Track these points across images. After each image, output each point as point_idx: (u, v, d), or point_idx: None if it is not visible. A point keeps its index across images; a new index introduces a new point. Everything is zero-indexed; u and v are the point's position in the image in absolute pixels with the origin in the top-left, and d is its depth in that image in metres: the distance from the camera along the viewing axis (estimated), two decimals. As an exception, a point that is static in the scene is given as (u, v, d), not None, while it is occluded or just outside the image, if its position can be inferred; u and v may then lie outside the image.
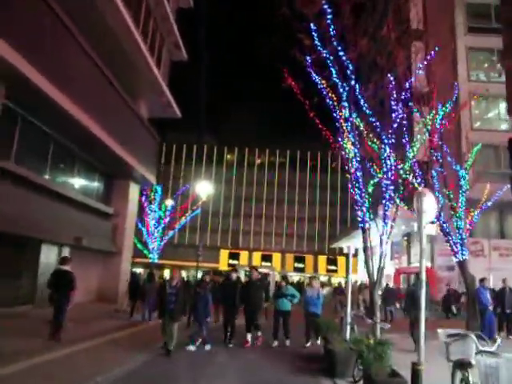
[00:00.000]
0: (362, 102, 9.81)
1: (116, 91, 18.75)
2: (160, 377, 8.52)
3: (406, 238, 39.94)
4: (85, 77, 15.58)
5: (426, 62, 12.50)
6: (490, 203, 16.30)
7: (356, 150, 10.05)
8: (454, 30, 33.39)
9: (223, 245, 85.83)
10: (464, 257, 14.30)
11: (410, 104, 11.59)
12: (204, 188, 24.50)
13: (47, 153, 16.46)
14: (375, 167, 10.95)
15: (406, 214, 31.04)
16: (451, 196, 14.54)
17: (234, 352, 11.43)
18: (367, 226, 10.23)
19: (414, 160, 12.37)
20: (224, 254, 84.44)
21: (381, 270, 10.17)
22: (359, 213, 10.13)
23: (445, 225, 14.74)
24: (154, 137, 23.23)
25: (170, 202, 29.92)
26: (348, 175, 10.36)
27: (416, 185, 13.70)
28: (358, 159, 10.07)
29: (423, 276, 6.52)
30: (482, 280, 14.81)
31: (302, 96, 10.50)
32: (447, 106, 14.10)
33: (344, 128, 10.04)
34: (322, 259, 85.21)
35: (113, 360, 9.37)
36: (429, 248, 34.42)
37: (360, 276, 52.10)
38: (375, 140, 11.14)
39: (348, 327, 10.10)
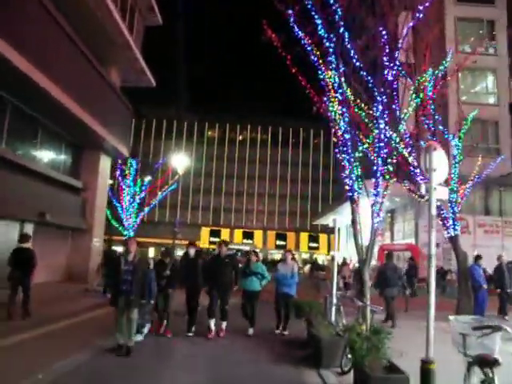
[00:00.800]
0: (351, 53, 8.61)
1: (83, 54, 17.28)
2: (112, 370, 7.24)
3: (389, 215, 39.32)
4: (46, 37, 14.09)
5: (412, 25, 11.24)
6: (482, 176, 15.41)
7: (344, 109, 8.85)
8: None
9: (204, 222, 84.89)
10: (456, 232, 13.41)
11: (399, 68, 10.35)
12: (180, 161, 23.16)
13: (3, 120, 14.94)
14: (361, 136, 9.81)
15: (390, 189, 30.35)
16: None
17: (197, 342, 9.66)
18: (356, 195, 9.13)
19: (404, 128, 11.21)
20: (205, 231, 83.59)
21: (371, 245, 9.13)
22: (347, 180, 9.01)
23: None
24: (127, 106, 21.78)
25: (147, 178, 28.58)
26: (334, 138, 9.18)
27: (406, 154, 12.68)
28: (346, 119, 8.88)
29: (432, 250, 5.44)
30: (477, 257, 13.93)
31: (283, 50, 9.22)
32: (440, 68, 13.01)
33: (330, 84, 8.82)
34: (304, 236, 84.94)
35: (65, 349, 8.10)
36: (412, 224, 33.77)
37: (342, 254, 51.56)
38: (363, 105, 9.98)
39: (333, 309, 9.11)
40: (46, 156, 18.25)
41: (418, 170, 13.84)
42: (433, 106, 13.19)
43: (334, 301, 9.10)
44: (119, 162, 26.82)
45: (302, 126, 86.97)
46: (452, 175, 13.67)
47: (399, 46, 9.33)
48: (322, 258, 68.53)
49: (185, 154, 23.94)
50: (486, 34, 32.01)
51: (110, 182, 29.94)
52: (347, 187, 9.10)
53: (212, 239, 77.69)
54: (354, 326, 6.51)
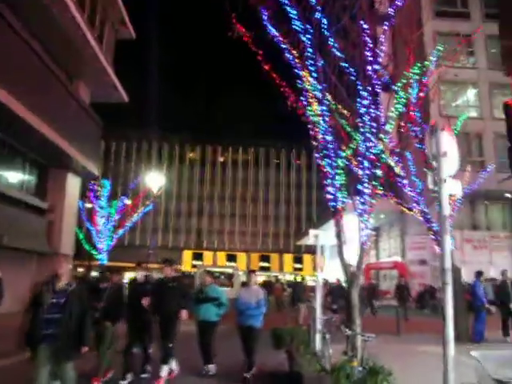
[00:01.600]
0: (330, 42, 7.65)
1: (47, 67, 16.20)
2: None
3: (374, 233, 38.52)
4: (4, 48, 13.05)
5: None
6: (471, 189, 14.51)
7: (324, 108, 7.85)
8: (421, 13, 31.93)
9: (187, 245, 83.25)
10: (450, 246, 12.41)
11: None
12: (155, 181, 22.03)
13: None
14: (343, 146, 8.82)
15: (374, 205, 29.55)
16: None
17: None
18: (340, 205, 8.08)
19: (390, 133, 10.21)
20: (187, 254, 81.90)
21: (360, 262, 8.07)
22: (330, 188, 7.96)
23: (426, 210, 12.80)
24: (97, 123, 20.65)
25: (124, 200, 27.39)
26: (314, 142, 8.16)
27: (392, 163, 11.67)
28: (327, 119, 7.87)
29: (447, 262, 4.40)
30: (479, 274, 12.92)
31: (255, 46, 8.24)
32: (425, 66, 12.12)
33: (307, 81, 7.84)
34: (288, 257, 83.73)
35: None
36: (398, 242, 32.91)
37: (327, 274, 50.48)
38: (344, 112, 9.00)
39: (318, 336, 7.98)
40: (5, 174, 16.97)
41: (405, 181, 12.92)
42: (418, 113, 12.29)
43: (319, 327, 7.97)
44: (92, 182, 25.65)
45: (284, 146, 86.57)
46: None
47: (381, 40, 8.41)
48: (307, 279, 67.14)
49: (159, 174, 22.71)
50: (464, 48, 31.75)
51: (83, 203, 28.77)
52: (330, 196, 8.05)
53: (194, 262, 76.04)
54: (342, 365, 5.29)
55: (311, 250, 74.24)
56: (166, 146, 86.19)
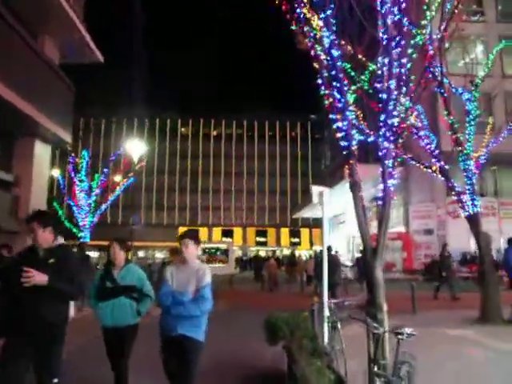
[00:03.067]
0: None
1: (2, 20, 13.90)
2: None
3: (374, 204, 36.60)
4: None
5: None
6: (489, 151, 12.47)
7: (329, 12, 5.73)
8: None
9: (181, 222, 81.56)
10: (475, 209, 10.47)
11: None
12: (136, 147, 19.96)
13: None
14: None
15: (375, 174, 27.58)
16: (455, 125, 10.59)
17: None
18: (354, 145, 6.04)
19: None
20: (182, 231, 79.81)
21: (385, 225, 6.12)
22: (341, 124, 5.88)
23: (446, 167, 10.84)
24: (68, 86, 18.35)
25: (118, 178, 25.34)
26: (316, 64, 6.04)
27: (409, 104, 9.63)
28: (334, 29, 5.76)
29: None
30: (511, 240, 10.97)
31: None
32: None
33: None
34: (285, 232, 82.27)
35: None
36: (401, 211, 31.06)
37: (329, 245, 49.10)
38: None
39: (326, 326, 6.07)
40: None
41: (422, 133, 10.92)
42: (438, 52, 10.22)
43: (327, 313, 6.04)
44: (71, 154, 23.57)
45: (279, 118, 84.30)
46: (468, 135, 10.75)
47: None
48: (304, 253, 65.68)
49: (140, 141, 20.58)
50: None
51: (63, 177, 26.57)
52: (340, 134, 5.99)
53: (189, 239, 74.41)
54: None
55: (308, 223, 73.25)
56: (156, 121, 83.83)
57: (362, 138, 6.38)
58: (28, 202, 16.64)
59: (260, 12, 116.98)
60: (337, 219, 48.60)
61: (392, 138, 5.82)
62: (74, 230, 24.23)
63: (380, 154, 5.93)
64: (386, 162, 5.89)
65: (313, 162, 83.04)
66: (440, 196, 25.56)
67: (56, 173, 27.71)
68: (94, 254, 52.97)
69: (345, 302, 5.93)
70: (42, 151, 17.56)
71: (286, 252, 76.89)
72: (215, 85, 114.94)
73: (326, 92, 5.81)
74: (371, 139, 6.21)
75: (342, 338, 5.47)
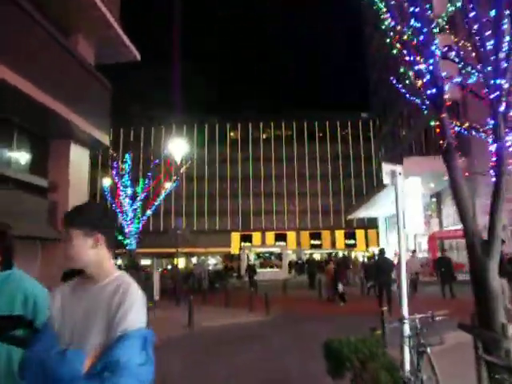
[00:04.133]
0: None
1: (32, 19, 13.15)
2: None
3: (434, 199, 34.20)
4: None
5: None
6: None
7: None
8: None
9: (234, 227, 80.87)
10: None
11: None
12: (179, 148, 18.92)
13: None
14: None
15: (435, 167, 25.24)
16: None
17: None
18: (445, 91, 4.42)
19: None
20: (235, 236, 79.62)
21: (499, 206, 4.55)
22: (423, 66, 4.25)
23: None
24: (105, 85, 17.55)
25: (164, 182, 24.53)
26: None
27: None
28: None
29: None
30: None
31: None
32: None
33: None
34: (340, 234, 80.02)
35: None
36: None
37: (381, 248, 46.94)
38: None
39: (407, 351, 4.47)
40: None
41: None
42: None
43: (407, 331, 4.42)
44: (113, 159, 22.90)
45: (328, 117, 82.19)
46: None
47: None
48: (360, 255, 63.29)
49: (182, 140, 19.52)
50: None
51: (110, 181, 25.95)
52: (423, 80, 4.39)
53: (243, 244, 73.50)
54: None
55: (363, 224, 70.76)
56: (205, 126, 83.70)
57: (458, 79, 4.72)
58: (66, 207, 15.84)
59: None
60: (392, 220, 46.26)
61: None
62: (120, 238, 23.54)
63: (491, 95, 4.27)
64: (501, 107, 4.24)
65: (365, 161, 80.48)
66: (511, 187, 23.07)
67: (107, 182, 27.10)
68: (145, 262, 53.00)
69: (435, 317, 4.33)
70: (78, 154, 16.76)
71: (343, 254, 74.92)
72: (264, 87, 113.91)
73: (395, 26, 4.25)
74: (472, 79, 4.56)
75: (437, 371, 3.86)
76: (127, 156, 23.06)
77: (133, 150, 55.56)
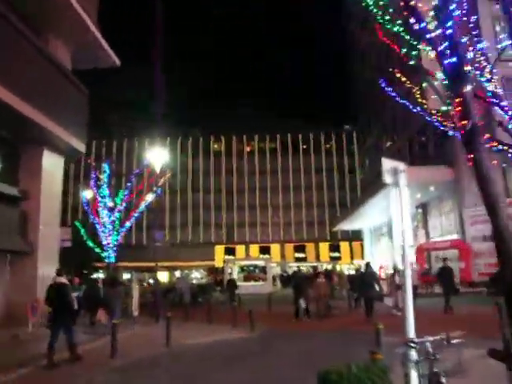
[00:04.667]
0: None
1: (5, 20, 12.48)
2: None
3: (420, 210, 33.73)
4: None
5: None
6: None
7: None
8: None
9: (218, 240, 79.98)
10: None
11: None
12: (158, 157, 18.15)
13: None
14: None
15: (422, 177, 24.77)
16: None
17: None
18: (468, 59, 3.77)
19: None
20: (219, 249, 78.82)
21: None
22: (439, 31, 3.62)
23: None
24: (81, 90, 16.78)
25: (149, 197, 23.57)
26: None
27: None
28: None
29: None
30: None
31: None
32: None
33: None
34: (324, 246, 79.48)
35: None
36: (452, 217, 28.20)
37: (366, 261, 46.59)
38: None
39: (416, 379, 3.75)
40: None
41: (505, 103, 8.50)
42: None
43: (414, 356, 3.69)
44: (93, 168, 22.05)
45: (312, 130, 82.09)
46: None
47: None
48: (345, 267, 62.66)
49: (162, 149, 18.73)
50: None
51: (90, 192, 24.90)
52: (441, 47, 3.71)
53: (227, 257, 72.51)
54: None
55: (348, 236, 70.36)
56: (189, 139, 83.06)
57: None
58: (37, 218, 14.92)
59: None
60: (377, 232, 45.99)
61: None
62: (97, 250, 22.59)
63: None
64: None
65: (349, 173, 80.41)
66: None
67: (89, 194, 25.94)
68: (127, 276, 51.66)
69: (450, 339, 3.60)
70: (52, 162, 15.87)
71: (327, 267, 74.27)
72: (248, 101, 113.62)
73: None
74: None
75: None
76: (105, 166, 22.18)
77: (114, 162, 54.93)
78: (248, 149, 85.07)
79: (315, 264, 73.87)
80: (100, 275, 27.70)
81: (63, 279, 9.95)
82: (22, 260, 14.55)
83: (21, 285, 14.31)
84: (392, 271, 18.77)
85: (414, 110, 6.79)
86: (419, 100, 7.00)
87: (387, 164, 4.96)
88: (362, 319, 15.49)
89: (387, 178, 4.98)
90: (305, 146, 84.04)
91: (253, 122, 77.33)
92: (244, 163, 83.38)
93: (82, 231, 23.31)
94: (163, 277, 60.56)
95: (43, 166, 15.29)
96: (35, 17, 15.10)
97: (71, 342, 9.55)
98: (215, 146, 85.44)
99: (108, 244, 22.00)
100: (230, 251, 77.10)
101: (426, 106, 6.84)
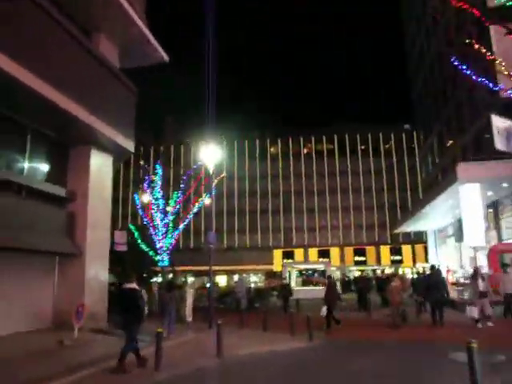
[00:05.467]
0: None
1: (49, 17, 12.13)
2: None
3: (490, 210, 31.24)
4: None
5: None
6: None
7: None
8: None
9: (276, 244, 78.96)
10: None
11: None
12: (211, 154, 17.33)
13: None
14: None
15: (494, 172, 22.57)
16: None
17: None
18: None
19: None
20: (277, 253, 77.72)
21: None
22: None
23: None
24: (129, 88, 16.24)
25: (204, 199, 23.02)
26: None
27: None
28: None
29: None
30: None
31: None
32: None
33: None
34: (385, 250, 76.74)
35: None
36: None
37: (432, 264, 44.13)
38: None
39: None
40: (8, 157, 12.94)
41: None
42: None
43: None
44: (146, 171, 21.57)
45: (371, 131, 79.67)
46: None
47: None
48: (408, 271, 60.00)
49: (216, 147, 17.84)
50: None
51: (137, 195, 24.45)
52: None
53: (285, 261, 71.48)
54: None
55: (409, 239, 67.56)
56: (245, 142, 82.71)
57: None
58: (85, 220, 14.41)
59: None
60: (442, 233, 43.37)
61: None
62: (151, 253, 22.08)
63: None
64: None
65: (409, 173, 77.43)
66: None
67: (145, 198, 25.55)
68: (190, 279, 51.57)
69: None
70: (100, 162, 15.36)
71: (388, 271, 71.61)
72: (304, 103, 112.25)
73: None
74: None
75: None
76: (158, 166, 21.67)
77: (167, 166, 55.09)
78: (305, 151, 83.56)
79: (376, 267, 71.47)
80: (159, 279, 27.32)
81: (134, 285, 9.60)
82: (71, 262, 14.06)
83: (68, 288, 13.83)
84: (471, 275, 16.78)
85: (495, 88, 5.47)
86: (503, 70, 5.72)
87: (497, 122, 3.76)
88: (437, 329, 13.99)
89: (498, 143, 3.78)
90: (363, 147, 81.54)
91: (309, 123, 76.22)
92: (301, 165, 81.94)
93: (136, 234, 22.93)
94: (222, 281, 60.44)
95: (91, 165, 14.80)
96: (82, 13, 14.70)
97: (127, 351, 8.97)
98: (272, 148, 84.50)
99: (161, 247, 21.47)
100: (288, 255, 75.90)
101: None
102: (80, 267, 13.95)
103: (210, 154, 17.49)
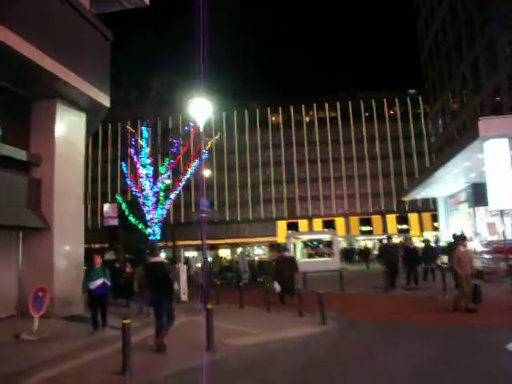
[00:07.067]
0: None
1: None
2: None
3: None
4: None
5: None
6: None
7: None
8: None
9: (279, 215, 76.94)
10: None
11: None
12: (200, 108, 14.90)
13: None
14: None
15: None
16: None
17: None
18: None
19: None
20: (281, 225, 75.89)
21: None
22: None
23: None
24: (103, 34, 13.83)
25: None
26: None
27: None
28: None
29: None
30: None
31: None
32: None
33: None
34: (392, 218, 74.62)
35: None
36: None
37: (442, 234, 42.08)
38: None
39: None
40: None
41: None
42: None
43: None
44: (130, 133, 19.31)
45: (374, 97, 76.70)
46: None
47: None
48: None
49: (205, 101, 15.39)
50: None
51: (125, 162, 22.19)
52: None
53: (289, 232, 69.69)
54: None
55: (416, 208, 65.40)
56: (245, 112, 79.88)
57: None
58: (52, 188, 12.18)
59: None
60: (455, 199, 40.92)
61: None
62: (140, 226, 19.95)
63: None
64: None
65: (416, 140, 74.83)
66: None
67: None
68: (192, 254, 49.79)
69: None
70: (69, 119, 12.94)
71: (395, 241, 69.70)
72: (304, 69, 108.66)
73: None
74: None
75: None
76: (144, 129, 19.37)
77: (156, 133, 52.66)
78: (307, 119, 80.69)
79: (382, 237, 69.64)
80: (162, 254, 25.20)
81: (161, 258, 9.72)
82: (37, 238, 11.90)
83: (35, 268, 11.69)
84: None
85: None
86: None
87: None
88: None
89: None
90: (367, 114, 78.60)
91: (310, 90, 73.37)
92: (303, 134, 79.20)
93: (124, 205, 20.78)
94: (225, 254, 58.71)
95: (58, 123, 12.47)
96: None
97: (164, 327, 8.85)
98: (273, 118, 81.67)
99: (152, 219, 19.34)
100: (292, 226, 73.95)
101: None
102: (48, 244, 11.78)
103: (199, 108, 15.05)
